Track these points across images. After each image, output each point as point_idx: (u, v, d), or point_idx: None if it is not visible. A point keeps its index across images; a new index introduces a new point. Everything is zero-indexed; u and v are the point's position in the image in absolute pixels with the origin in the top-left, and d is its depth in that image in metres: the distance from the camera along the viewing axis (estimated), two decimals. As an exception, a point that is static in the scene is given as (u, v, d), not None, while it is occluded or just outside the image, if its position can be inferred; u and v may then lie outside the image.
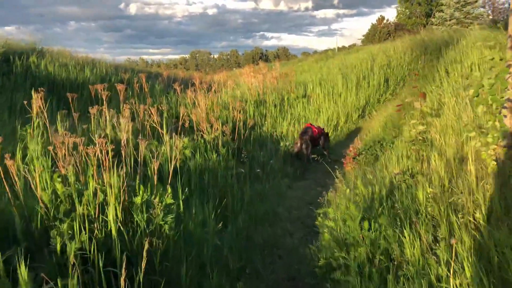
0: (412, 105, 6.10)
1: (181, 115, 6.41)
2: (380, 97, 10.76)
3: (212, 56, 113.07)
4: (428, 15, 38.72)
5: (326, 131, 8.36)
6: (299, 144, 7.70)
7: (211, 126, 7.17)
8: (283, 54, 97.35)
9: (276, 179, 6.31)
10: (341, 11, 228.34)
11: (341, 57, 20.55)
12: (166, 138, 5.76)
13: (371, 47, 21.98)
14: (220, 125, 7.58)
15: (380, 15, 55.60)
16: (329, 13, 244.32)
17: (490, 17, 36.03)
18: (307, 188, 6.30)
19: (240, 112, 8.69)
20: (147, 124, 6.01)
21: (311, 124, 8.18)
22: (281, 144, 7.76)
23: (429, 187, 3.84)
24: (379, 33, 53.02)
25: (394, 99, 10.98)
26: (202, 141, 6.61)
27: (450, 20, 32.94)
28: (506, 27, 5.07)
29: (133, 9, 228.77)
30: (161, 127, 5.69)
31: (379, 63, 12.09)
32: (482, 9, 34.16)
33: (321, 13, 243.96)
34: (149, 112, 5.79)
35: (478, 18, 32.90)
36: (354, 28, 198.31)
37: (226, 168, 5.31)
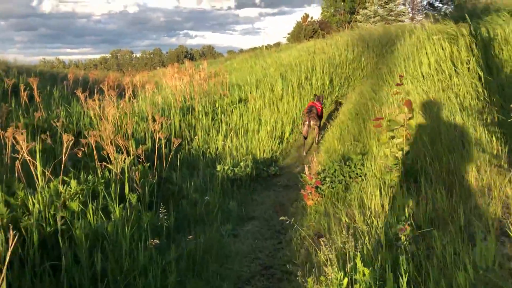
0: (391, 119, 4.60)
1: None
2: (325, 100, 9.34)
3: (134, 55, 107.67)
4: (351, 12, 38.83)
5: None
6: (308, 122, 7.48)
7: (121, 150, 5.18)
8: (209, 52, 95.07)
9: (214, 225, 4.49)
10: (263, 10, 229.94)
11: (274, 56, 19.09)
12: (40, 182, 3.71)
13: (303, 44, 20.83)
14: (134, 146, 5.62)
15: (305, 13, 55.35)
16: (252, 12, 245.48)
17: (410, 14, 36.89)
18: (257, 235, 4.55)
19: (162, 125, 6.83)
20: (21, 154, 3.92)
21: (313, 102, 8.02)
22: (218, 168, 5.94)
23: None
24: (305, 31, 52.77)
25: (341, 102, 9.61)
26: (106, 175, 4.61)
27: (374, 17, 33.00)
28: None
29: (46, 6, 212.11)
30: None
31: (321, 61, 10.71)
32: (403, 7, 34.71)
33: (244, 12, 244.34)
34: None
35: (400, 15, 33.37)
36: (277, 26, 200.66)
37: (138, 229, 3.39)
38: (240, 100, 9.31)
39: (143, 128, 7.09)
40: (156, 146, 5.48)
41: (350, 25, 39.76)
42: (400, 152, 4.24)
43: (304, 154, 7.37)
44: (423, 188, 3.68)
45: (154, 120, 7.39)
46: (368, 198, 4.12)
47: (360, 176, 4.82)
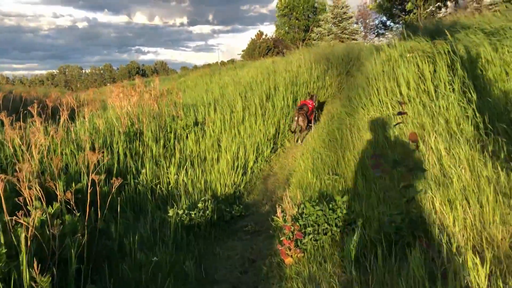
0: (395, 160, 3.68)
1: None
2: (291, 123, 8.42)
3: (83, 71, 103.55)
4: (305, 30, 38.85)
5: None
6: (297, 118, 7.92)
7: (42, 197, 3.92)
8: (162, 68, 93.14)
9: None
10: (216, 27, 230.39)
11: (230, 73, 18.14)
12: None
13: (260, 61, 20.07)
14: (63, 188, 4.38)
15: (259, 31, 55.26)
16: (205, 29, 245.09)
17: (363, 33, 37.38)
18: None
19: (104, 154, 5.65)
20: None
21: (305, 100, 8.62)
22: (171, 212, 4.77)
23: None
24: (259, 48, 52.52)
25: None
26: (19, 233, 3.34)
27: (328, 35, 33.04)
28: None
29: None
30: None
31: (283, 80, 9.83)
32: (355, 25, 35.06)
33: (197, 29, 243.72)
34: None
35: (354, 34, 33.63)
36: (231, 43, 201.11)
37: None
38: (196, 123, 8.18)
39: (77, 161, 5.81)
40: (89, 184, 4.25)
41: (304, 42, 39.91)
42: (404, 199, 3.32)
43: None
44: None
45: (94, 149, 6.16)
46: (366, 258, 3.16)
47: (350, 225, 3.85)
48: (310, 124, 8.25)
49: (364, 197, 4.14)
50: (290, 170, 6.59)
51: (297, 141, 7.83)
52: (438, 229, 3.26)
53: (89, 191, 4.07)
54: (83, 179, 5.23)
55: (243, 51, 56.59)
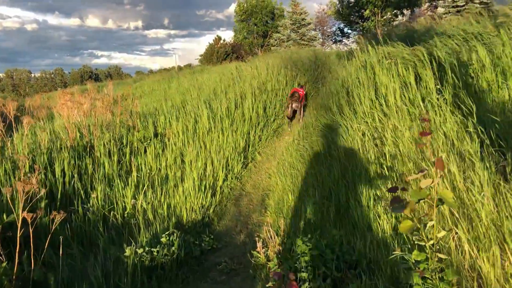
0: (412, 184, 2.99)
1: None
2: (261, 134, 7.65)
3: (33, 75, 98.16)
4: (264, 36, 38.40)
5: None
6: (291, 105, 8.33)
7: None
8: (116, 73, 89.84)
9: None
10: (172, 32, 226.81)
11: (190, 78, 17.17)
12: None
13: (221, 66, 19.26)
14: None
15: (217, 35, 54.48)
16: (161, 33, 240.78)
17: (321, 40, 37.40)
18: None
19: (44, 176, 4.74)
20: None
21: (297, 88, 8.88)
22: (128, 251, 3.84)
23: None
24: (217, 53, 51.68)
25: (279, 135, 8.00)
26: None
27: (287, 41, 32.74)
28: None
29: None
30: None
31: (250, 87, 9.06)
32: (314, 32, 35.02)
33: (152, 33, 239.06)
34: None
35: (312, 40, 33.51)
36: (187, 48, 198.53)
37: None
38: (155, 135, 7.24)
39: (12, 185, 4.77)
40: (19, 220, 3.27)
41: (263, 48, 39.45)
42: (432, 242, 2.62)
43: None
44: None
45: (33, 169, 5.15)
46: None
47: (354, 269, 3.11)
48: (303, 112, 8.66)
49: (364, 231, 3.42)
50: (265, 189, 5.80)
51: (291, 120, 8.37)
52: (471, 278, 2.59)
53: (18, 233, 3.11)
54: (18, 207, 4.21)
55: (200, 55, 55.57)
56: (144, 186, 5.40)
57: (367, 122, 5.31)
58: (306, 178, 5.09)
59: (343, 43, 35.03)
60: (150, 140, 6.94)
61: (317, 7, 45.98)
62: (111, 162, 5.97)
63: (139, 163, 6.13)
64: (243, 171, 6.48)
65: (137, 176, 5.71)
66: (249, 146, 7.18)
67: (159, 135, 7.28)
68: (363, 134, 5.23)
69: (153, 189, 5.40)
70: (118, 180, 5.49)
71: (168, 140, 7.07)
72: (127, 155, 6.33)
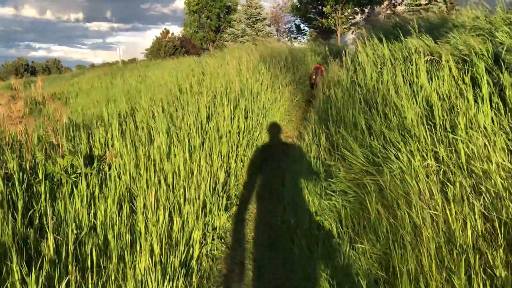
0: None
1: None
2: (244, 156, 5.37)
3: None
4: (217, 30, 35.95)
5: None
6: (314, 77, 9.36)
7: None
8: (55, 66, 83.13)
9: None
10: (115, 25, 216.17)
11: (136, 74, 14.48)
12: None
13: (173, 62, 16.72)
14: None
15: (165, 29, 51.05)
16: (103, 26, 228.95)
17: (275, 36, 35.52)
18: None
19: None
20: None
21: (318, 65, 9.90)
22: None
23: None
24: (165, 48, 48.46)
25: (267, 160, 5.78)
26: None
27: (242, 36, 30.56)
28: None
29: None
30: None
31: (221, 89, 6.75)
32: (268, 27, 33.10)
33: (94, 26, 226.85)
34: None
35: (268, 36, 31.55)
36: (131, 42, 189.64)
37: None
38: (90, 161, 4.78)
39: None
40: None
41: (215, 43, 36.98)
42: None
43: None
44: None
45: None
46: None
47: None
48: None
49: None
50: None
51: (312, 88, 8.91)
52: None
53: None
54: None
55: (147, 50, 52.02)
56: (68, 265, 2.99)
57: (426, 153, 3.25)
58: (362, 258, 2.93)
59: (298, 40, 33.48)
60: (81, 170, 4.47)
61: (272, 2, 44.15)
62: (16, 213, 3.47)
63: (61, 216, 3.67)
64: (228, 223, 4.19)
65: (56, 240, 3.27)
66: (229, 176, 4.90)
67: (95, 161, 4.82)
68: (428, 175, 3.19)
69: (82, 276, 3.00)
70: (19, 260, 3.01)
71: (109, 168, 4.65)
72: (42, 200, 3.83)
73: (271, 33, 31.39)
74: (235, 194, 4.69)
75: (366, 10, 25.89)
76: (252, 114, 6.18)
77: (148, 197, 4.00)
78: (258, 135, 5.99)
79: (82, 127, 5.94)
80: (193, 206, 3.99)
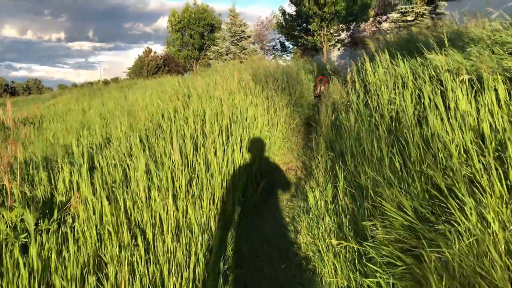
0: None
1: None
2: (242, 212, 4.31)
3: None
4: (200, 48, 35.15)
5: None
6: (319, 87, 10.01)
7: None
8: (35, 86, 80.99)
9: None
10: (97, 44, 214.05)
11: (116, 95, 13.41)
12: None
13: (156, 81, 15.74)
14: None
15: (147, 47, 50.08)
16: (85, 45, 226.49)
17: (260, 54, 34.85)
18: None
19: None
20: None
21: (321, 76, 10.86)
22: None
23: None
24: (147, 67, 47.35)
25: (268, 209, 4.75)
26: None
27: (226, 54, 29.79)
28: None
29: None
30: None
31: (212, 114, 5.76)
32: (253, 45, 32.43)
33: (76, 45, 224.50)
34: None
35: (253, 54, 30.82)
36: (114, 61, 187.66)
37: None
38: (49, 211, 3.72)
39: None
40: None
41: (199, 62, 36.14)
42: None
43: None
44: None
45: None
46: None
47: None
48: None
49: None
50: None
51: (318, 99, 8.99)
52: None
53: None
54: None
55: (129, 68, 50.82)
56: None
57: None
58: None
59: (283, 57, 32.84)
60: (36, 227, 3.41)
61: (256, 20, 43.69)
62: None
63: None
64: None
65: None
66: (225, 231, 3.87)
67: (56, 210, 3.75)
68: None
69: None
70: None
71: (73, 221, 3.60)
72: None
73: (256, 50, 30.65)
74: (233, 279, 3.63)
75: (351, 27, 25.40)
76: (248, 143, 5.19)
77: (121, 269, 2.97)
78: (257, 168, 4.99)
79: (43, 165, 4.85)
80: (181, 278, 2.96)
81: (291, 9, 25.60)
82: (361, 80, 6.00)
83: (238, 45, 29.85)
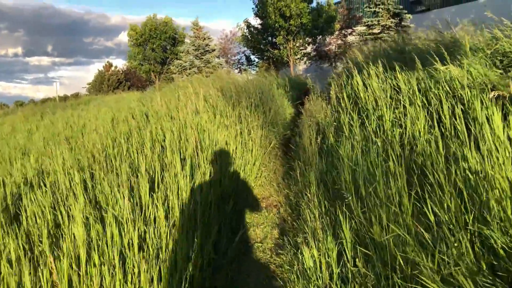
0: None
1: None
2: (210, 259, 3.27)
3: None
4: (163, 63, 33.86)
5: None
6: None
7: None
8: (-12, 103, 76.32)
9: None
10: (57, 59, 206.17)
11: (69, 114, 12.04)
12: None
13: (116, 97, 14.45)
14: None
15: (107, 61, 48.02)
16: (44, 60, 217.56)
17: (225, 68, 33.96)
18: None
19: None
20: None
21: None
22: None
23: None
24: (108, 81, 45.37)
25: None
26: None
27: (190, 68, 28.68)
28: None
29: None
30: None
31: (176, 141, 4.70)
32: (217, 59, 31.50)
33: (34, 60, 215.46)
34: None
35: (218, 68, 29.86)
36: (75, 76, 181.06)
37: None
38: None
39: None
40: None
41: (161, 76, 34.81)
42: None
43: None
44: None
45: None
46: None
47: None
48: None
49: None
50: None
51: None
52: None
53: None
54: None
55: (88, 84, 48.58)
56: None
57: None
58: None
59: (248, 71, 32.06)
60: None
61: (221, 34, 42.78)
62: None
63: None
64: None
65: None
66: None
67: None
68: None
69: None
70: None
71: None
72: None
73: (221, 64, 29.72)
74: None
75: (317, 40, 24.97)
76: (219, 175, 4.15)
77: None
78: (231, 208, 3.94)
79: None
80: None
81: (256, 22, 24.87)
82: (349, 96, 5.12)
83: (202, 58, 28.82)
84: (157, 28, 31.93)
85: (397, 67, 4.30)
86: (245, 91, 6.95)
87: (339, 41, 25.84)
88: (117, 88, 43.15)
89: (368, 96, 4.31)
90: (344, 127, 4.28)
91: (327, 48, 26.39)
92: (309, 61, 26.61)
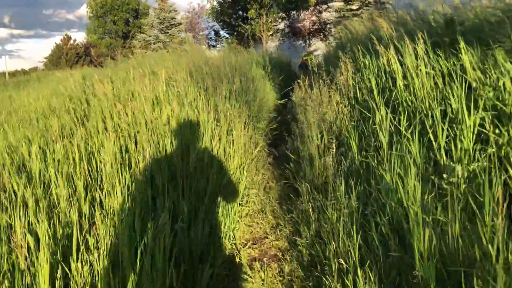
0: None
1: None
2: None
3: None
4: (125, 36, 31.17)
5: None
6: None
7: None
8: None
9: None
10: (15, 31, 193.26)
11: (5, 95, 9.93)
12: None
13: (67, 72, 12.29)
14: None
15: (66, 34, 44.05)
16: (1, 32, 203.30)
17: (193, 43, 31.66)
18: None
19: None
20: None
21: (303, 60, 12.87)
22: None
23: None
24: (66, 56, 41.84)
25: None
26: None
27: (155, 43, 26.31)
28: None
29: None
30: None
31: (116, 147, 3.09)
32: (183, 34, 29.19)
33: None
34: None
35: (184, 43, 27.62)
36: (35, 50, 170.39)
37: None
38: None
39: None
40: None
41: (123, 51, 32.09)
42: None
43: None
44: None
45: None
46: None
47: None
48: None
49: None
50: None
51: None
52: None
53: None
54: None
55: (45, 58, 44.70)
56: None
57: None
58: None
59: (217, 48, 30.02)
60: None
61: (188, 7, 40.07)
62: None
63: None
64: None
65: None
66: None
67: None
68: None
69: None
70: None
71: None
72: None
73: (188, 39, 27.48)
74: None
75: (291, 16, 23.22)
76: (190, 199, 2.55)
77: None
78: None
79: None
80: None
81: (227, -6, 22.80)
82: (378, 84, 3.58)
83: (168, 33, 26.48)
84: (118, -1, 29.19)
85: (462, 42, 2.76)
86: (221, 71, 5.25)
87: (313, 18, 24.18)
88: (76, 63, 39.84)
89: (424, 86, 2.78)
90: (382, 135, 2.74)
91: (301, 24, 24.69)
92: (282, 38, 24.87)
